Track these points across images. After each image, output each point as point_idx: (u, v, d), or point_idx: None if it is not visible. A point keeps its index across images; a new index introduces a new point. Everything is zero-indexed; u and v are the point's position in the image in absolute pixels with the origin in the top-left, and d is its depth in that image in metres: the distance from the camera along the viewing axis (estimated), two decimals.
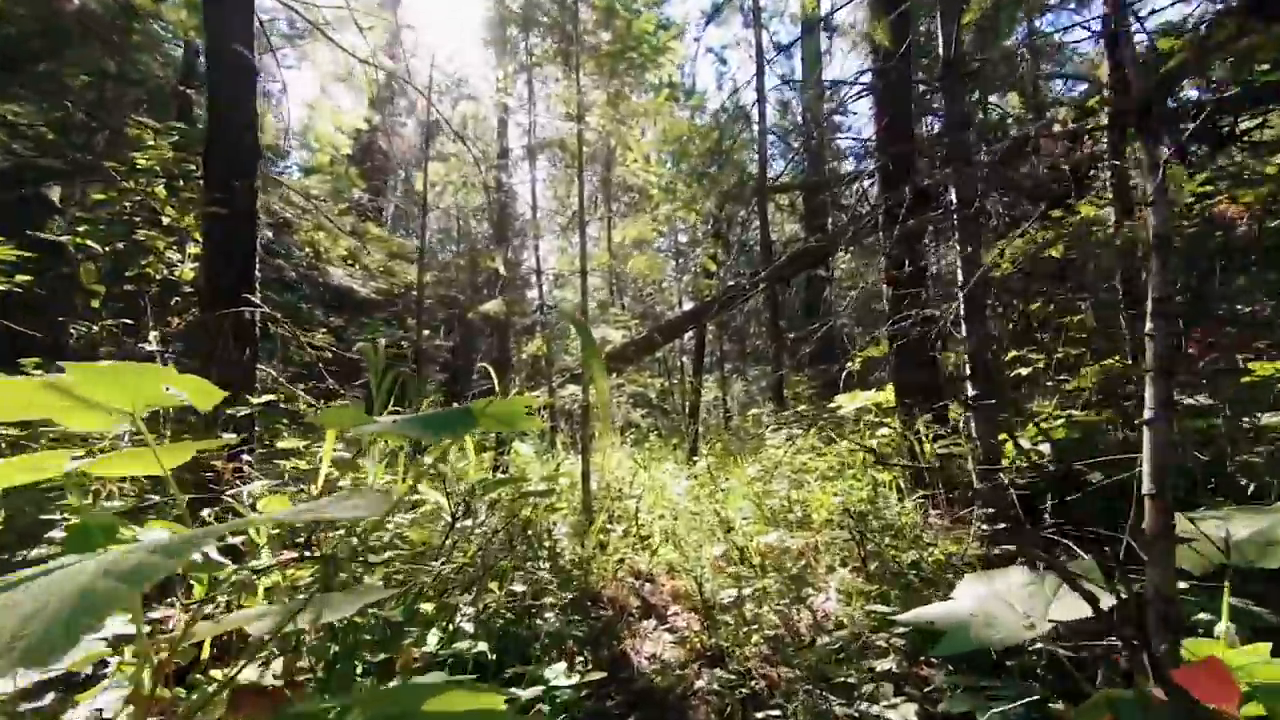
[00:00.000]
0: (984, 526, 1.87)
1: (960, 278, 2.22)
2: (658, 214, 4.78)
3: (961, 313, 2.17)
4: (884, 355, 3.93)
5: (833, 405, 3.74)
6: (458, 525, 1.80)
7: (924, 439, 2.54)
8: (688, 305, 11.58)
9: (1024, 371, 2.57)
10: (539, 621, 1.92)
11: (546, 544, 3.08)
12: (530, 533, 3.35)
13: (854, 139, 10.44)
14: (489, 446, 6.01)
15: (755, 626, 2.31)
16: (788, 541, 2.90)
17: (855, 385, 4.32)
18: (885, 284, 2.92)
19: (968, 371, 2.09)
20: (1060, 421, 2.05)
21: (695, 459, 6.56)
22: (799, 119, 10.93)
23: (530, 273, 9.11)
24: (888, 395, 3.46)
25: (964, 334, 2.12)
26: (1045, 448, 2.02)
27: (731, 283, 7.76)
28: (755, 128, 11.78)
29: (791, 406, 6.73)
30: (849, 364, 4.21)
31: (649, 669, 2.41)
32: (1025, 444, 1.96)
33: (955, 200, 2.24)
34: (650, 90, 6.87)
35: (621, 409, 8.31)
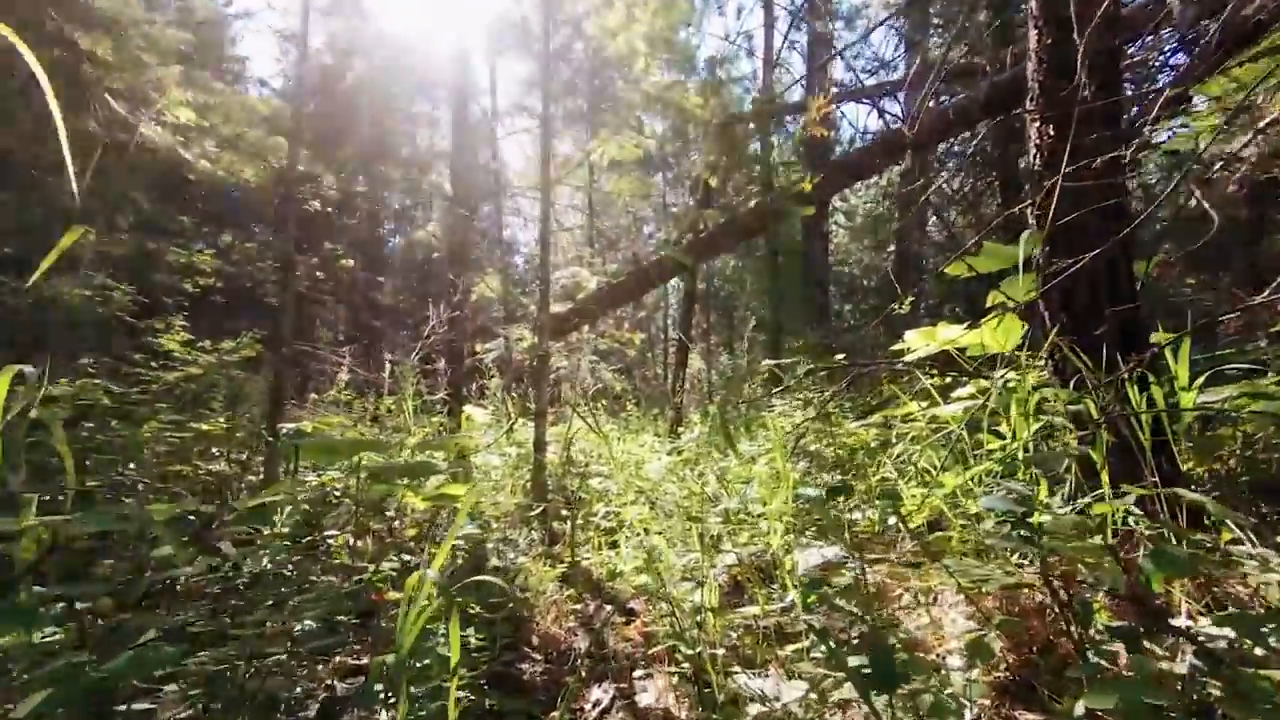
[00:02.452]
0: None
1: None
2: (646, 88, 3.44)
3: None
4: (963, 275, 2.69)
5: (896, 348, 2.49)
6: None
7: (1138, 394, 1.31)
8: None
9: None
10: None
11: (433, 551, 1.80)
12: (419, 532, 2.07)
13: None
14: (435, 411, 4.77)
15: None
16: (850, 568, 1.65)
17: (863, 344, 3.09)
18: (1032, 120, 1.66)
19: None
20: None
21: (680, 431, 5.33)
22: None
23: (489, 195, 7.66)
24: (992, 334, 2.21)
25: None
26: None
27: (725, 220, 6.43)
28: (759, 55, 10.36)
29: (790, 373, 5.50)
30: (918, 292, 2.96)
31: None
32: None
33: None
34: None
35: (586, 365, 7.00)
